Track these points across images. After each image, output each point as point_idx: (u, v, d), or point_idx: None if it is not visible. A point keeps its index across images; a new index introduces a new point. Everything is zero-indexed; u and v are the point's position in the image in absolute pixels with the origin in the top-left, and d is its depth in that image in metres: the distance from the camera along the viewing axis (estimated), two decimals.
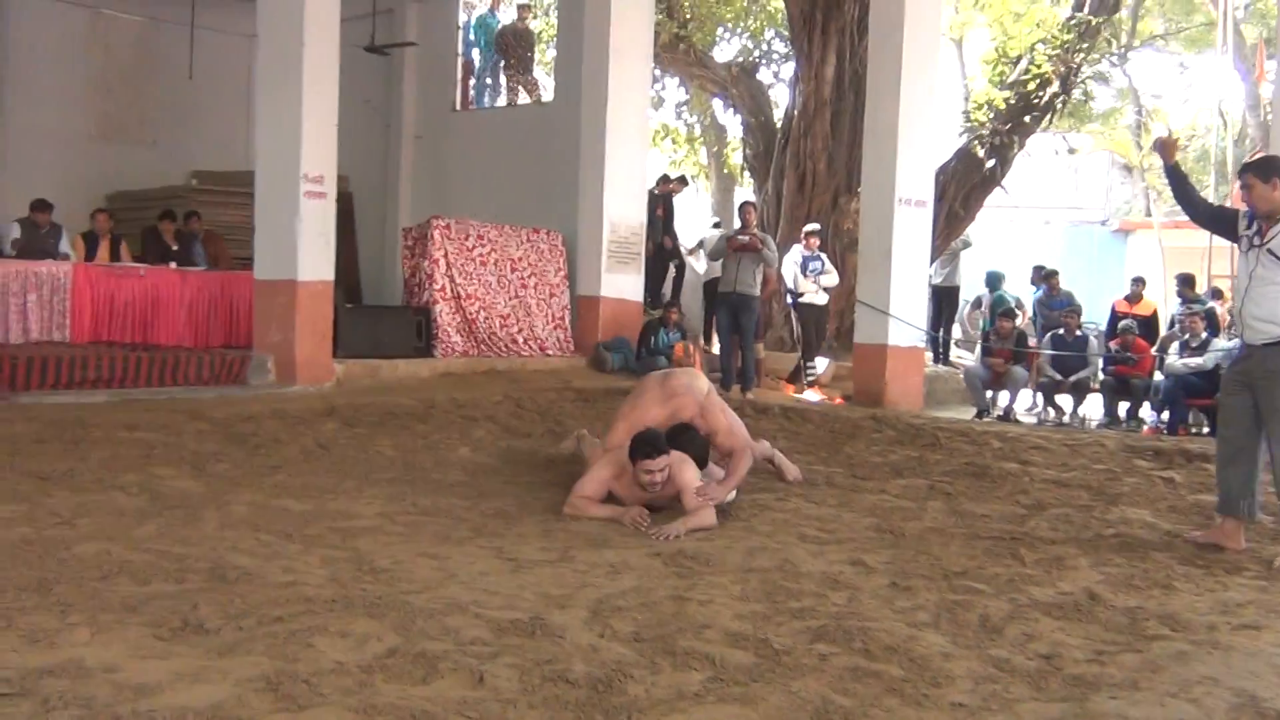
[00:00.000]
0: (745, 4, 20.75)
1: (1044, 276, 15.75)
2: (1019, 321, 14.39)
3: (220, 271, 11.66)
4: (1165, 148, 5.93)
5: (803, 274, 12.90)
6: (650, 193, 14.03)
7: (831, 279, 12.98)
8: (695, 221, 20.09)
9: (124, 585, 4.29)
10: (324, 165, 9.89)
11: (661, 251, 14.68)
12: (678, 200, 15.83)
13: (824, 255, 13.18)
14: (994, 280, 16.36)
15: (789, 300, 13.50)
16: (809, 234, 13.14)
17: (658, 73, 19.33)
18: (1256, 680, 3.59)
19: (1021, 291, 17.58)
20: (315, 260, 9.86)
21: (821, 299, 13.04)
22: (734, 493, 6.34)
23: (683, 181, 16.48)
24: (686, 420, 6.45)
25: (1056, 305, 14.61)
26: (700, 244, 16.12)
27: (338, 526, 5.53)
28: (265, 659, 3.51)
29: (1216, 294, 15.78)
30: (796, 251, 13.12)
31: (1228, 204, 22.33)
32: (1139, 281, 14.97)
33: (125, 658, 3.49)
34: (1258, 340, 5.38)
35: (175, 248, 12.25)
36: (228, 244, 13.05)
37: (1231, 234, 5.67)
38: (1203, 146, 28.92)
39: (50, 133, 13.21)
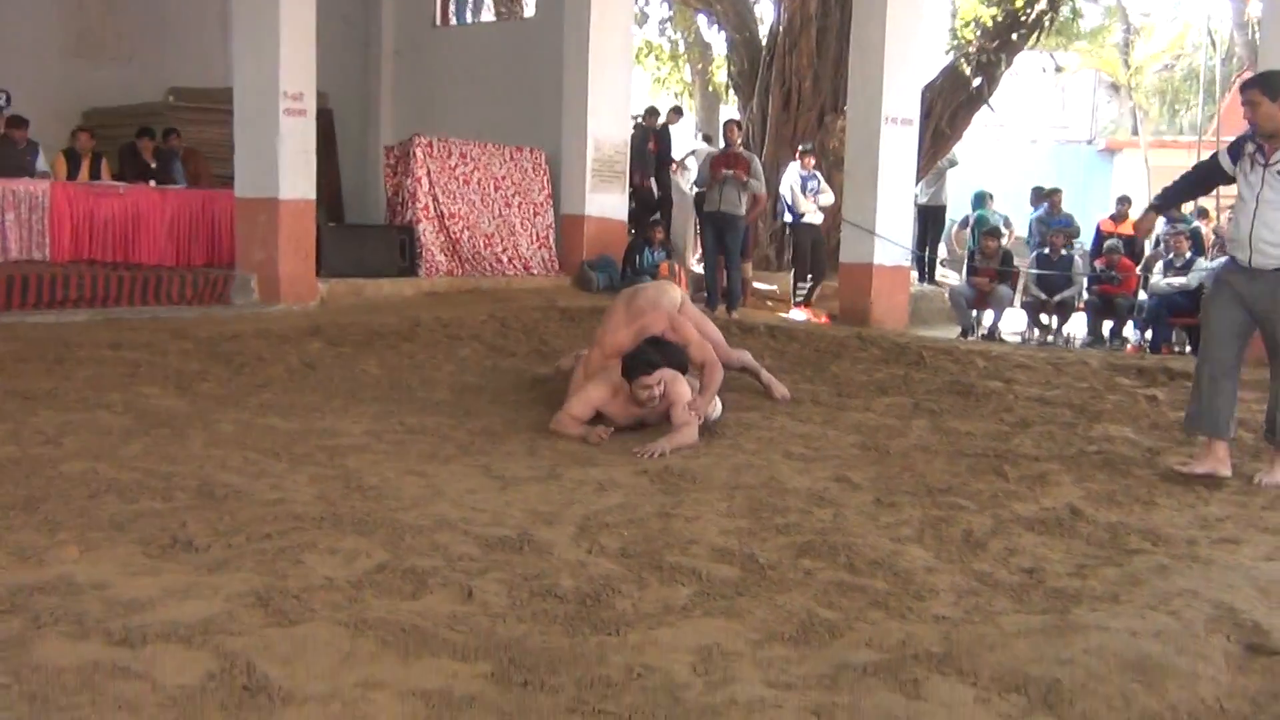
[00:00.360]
0: None
1: (1044, 195, 15.67)
2: (1005, 241, 14.37)
3: (201, 190, 11.53)
4: (1140, 230, 6.16)
5: (803, 194, 12.81)
6: (639, 125, 13.79)
7: (828, 198, 12.88)
8: (680, 139, 19.84)
9: (112, 503, 4.29)
10: (303, 83, 9.75)
11: (643, 194, 14.23)
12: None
13: (819, 174, 13.09)
14: (979, 199, 16.30)
15: (788, 220, 13.40)
16: (804, 153, 13.04)
17: None
18: (1234, 593, 3.64)
19: (1010, 211, 17.52)
20: (297, 178, 9.76)
21: (818, 219, 12.97)
22: (719, 408, 6.36)
23: (677, 113, 16.13)
24: (656, 336, 6.44)
25: (1057, 224, 14.56)
26: (690, 154, 15.85)
27: (325, 445, 5.53)
28: (255, 575, 3.53)
29: (1202, 214, 15.77)
30: (794, 171, 13.02)
31: (1214, 123, 22.25)
32: (1124, 201, 14.95)
33: (115, 574, 3.50)
34: (1269, 265, 5.14)
35: (154, 166, 12.09)
36: (208, 162, 12.88)
37: (1224, 177, 5.48)
38: (1190, 65, 28.74)
39: (23, 49, 12.92)
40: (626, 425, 6.15)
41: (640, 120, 14.11)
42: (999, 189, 17.70)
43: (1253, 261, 5.18)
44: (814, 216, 12.85)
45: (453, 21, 15.44)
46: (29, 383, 6.38)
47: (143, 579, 3.48)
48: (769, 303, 13.55)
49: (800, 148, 13.30)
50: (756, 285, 13.79)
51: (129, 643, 2.98)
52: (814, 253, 13.00)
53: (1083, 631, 3.25)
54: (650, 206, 14.01)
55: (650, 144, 14.05)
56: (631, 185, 13.09)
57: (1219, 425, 5.36)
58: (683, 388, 6.02)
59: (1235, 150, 5.38)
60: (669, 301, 6.78)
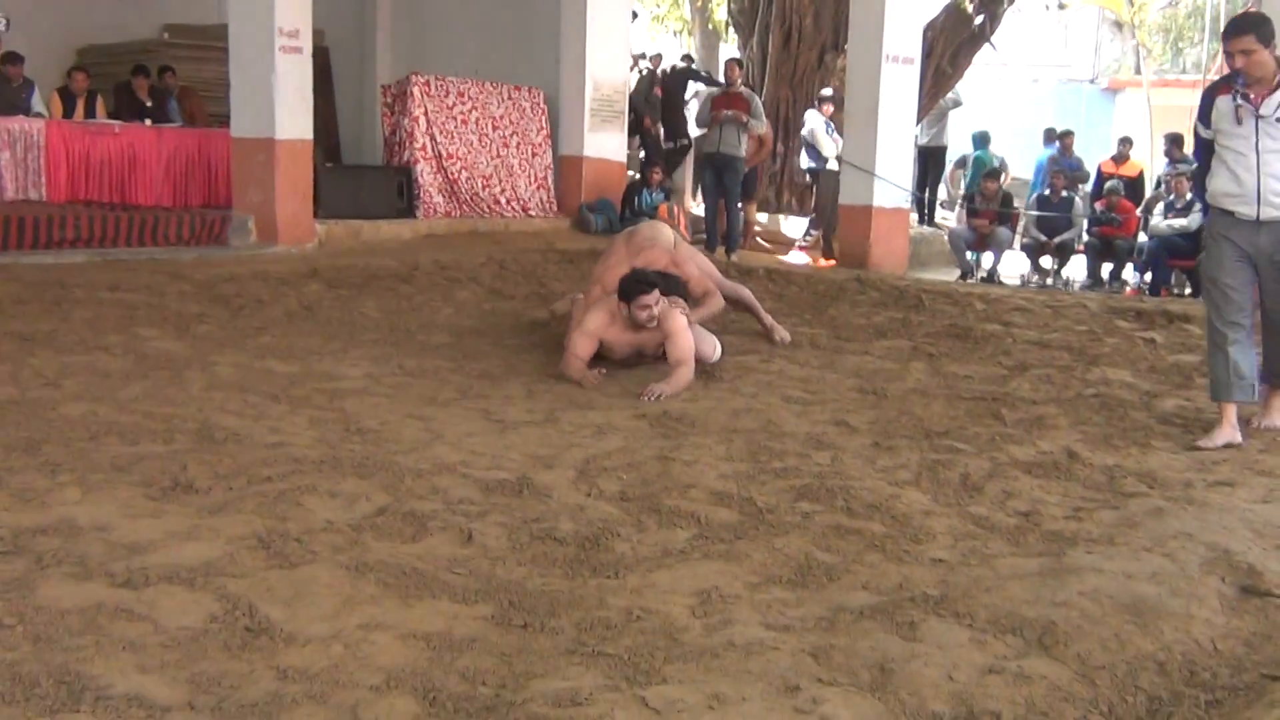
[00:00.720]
0: None
1: (1057, 136, 15.55)
2: (1004, 182, 14.29)
3: (197, 129, 11.43)
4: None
5: (828, 138, 12.75)
6: (646, 69, 13.59)
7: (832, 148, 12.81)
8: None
9: (112, 445, 4.30)
10: (299, 19, 9.62)
11: (648, 140, 14.13)
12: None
13: (833, 123, 12.99)
14: (980, 140, 16.19)
15: (811, 166, 13.31)
16: (824, 99, 12.92)
17: None
18: (1230, 535, 3.67)
19: (1016, 151, 17.40)
20: (293, 118, 9.66)
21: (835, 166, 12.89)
22: (718, 350, 6.37)
23: (688, 60, 15.78)
24: (657, 269, 6.47)
25: (1068, 166, 14.46)
26: (693, 96, 15.70)
27: (324, 388, 5.54)
28: (256, 518, 3.55)
29: None
30: (815, 117, 12.93)
31: (1217, 61, 22.02)
32: (1125, 142, 14.84)
33: (116, 517, 3.51)
34: (1277, 215, 4.90)
35: (149, 104, 11.97)
36: (204, 100, 12.76)
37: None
38: (1194, 2, 28.42)
39: None
40: (626, 358, 6.23)
41: (647, 64, 13.95)
42: (1000, 129, 17.59)
43: (1261, 214, 4.92)
44: (835, 164, 12.77)
45: None
46: (27, 324, 6.37)
47: (144, 521, 3.50)
48: (768, 245, 13.51)
49: (821, 94, 13.19)
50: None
51: (131, 584, 3.00)
52: (835, 201, 12.95)
53: (1078, 574, 3.28)
54: (657, 151, 13.93)
55: (656, 89, 13.92)
56: (639, 130, 12.97)
57: (1248, 389, 5.09)
58: (679, 320, 6.06)
59: (1205, 111, 5.07)
60: (666, 239, 6.84)
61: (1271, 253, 4.99)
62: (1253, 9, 8.74)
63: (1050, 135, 16.09)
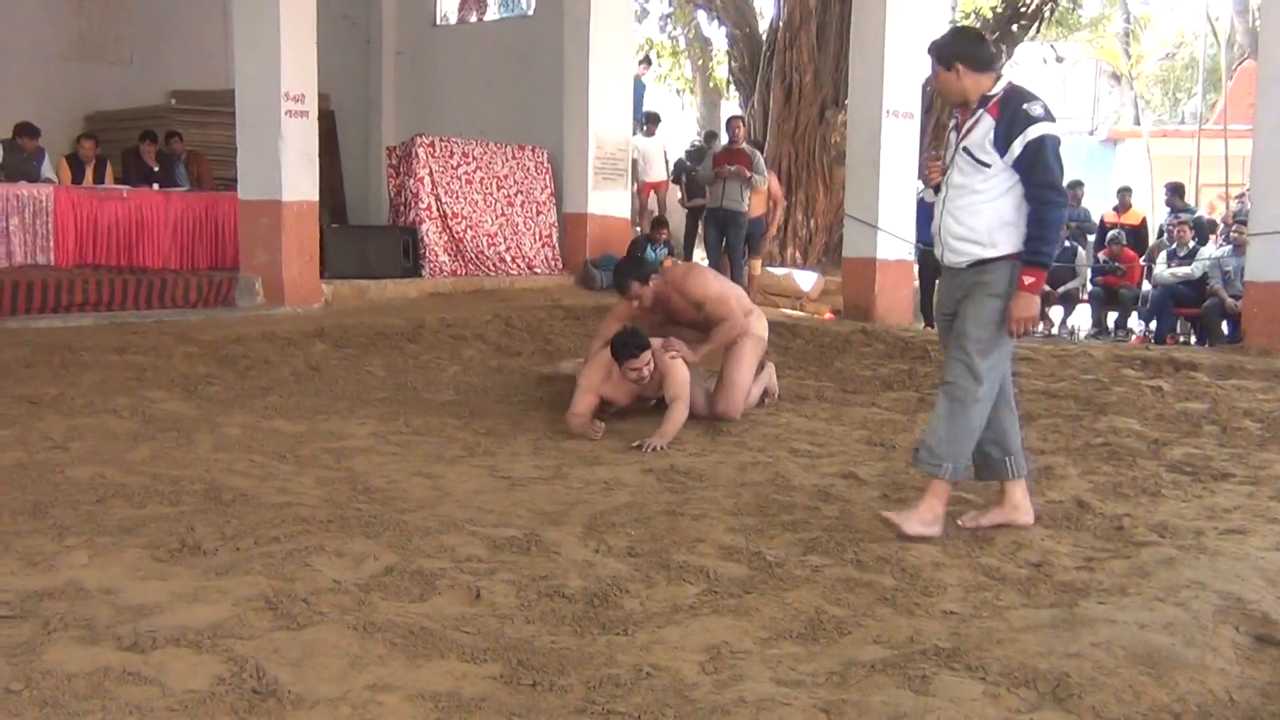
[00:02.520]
0: None
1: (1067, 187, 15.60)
2: None
3: (204, 192, 11.52)
4: None
5: None
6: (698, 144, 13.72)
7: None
8: (682, 134, 19.81)
9: (120, 508, 4.30)
10: (304, 84, 9.73)
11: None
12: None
13: None
14: None
15: None
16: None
17: None
18: (1242, 583, 3.64)
19: None
20: (299, 180, 9.75)
21: None
22: (773, 381, 6.63)
23: (653, 122, 15.70)
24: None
25: (1074, 218, 14.50)
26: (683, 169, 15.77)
27: (331, 447, 5.54)
28: (263, 578, 3.53)
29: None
30: None
31: (1215, 111, 22.14)
32: (1126, 191, 14.91)
33: (124, 579, 3.50)
34: (961, 262, 4.22)
35: (157, 169, 12.08)
36: (210, 164, 12.88)
37: None
38: (1191, 54, 28.69)
39: (23, 52, 12.88)
40: (632, 405, 6.35)
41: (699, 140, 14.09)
42: None
43: (945, 260, 4.33)
44: None
45: (451, 20, 15.42)
46: (35, 388, 6.39)
47: (151, 583, 3.48)
48: (776, 299, 13.52)
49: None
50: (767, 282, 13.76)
51: (139, 647, 2.98)
52: None
53: (1091, 625, 3.25)
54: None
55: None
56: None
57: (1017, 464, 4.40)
58: (677, 369, 6.11)
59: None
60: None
61: (949, 308, 4.34)
62: (1248, 59, 8.72)
63: None
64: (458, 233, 11.61)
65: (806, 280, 13.63)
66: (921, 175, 4.28)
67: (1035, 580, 3.76)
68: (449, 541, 3.99)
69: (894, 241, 11.01)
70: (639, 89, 16.10)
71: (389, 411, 6.48)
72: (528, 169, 12.31)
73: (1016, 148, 4.06)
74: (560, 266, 12.38)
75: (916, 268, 11.87)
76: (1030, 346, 8.96)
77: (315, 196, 9.95)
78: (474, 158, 11.84)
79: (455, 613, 3.35)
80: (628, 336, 6.12)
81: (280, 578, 3.55)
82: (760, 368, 6.76)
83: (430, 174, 11.41)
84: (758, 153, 12.30)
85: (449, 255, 11.55)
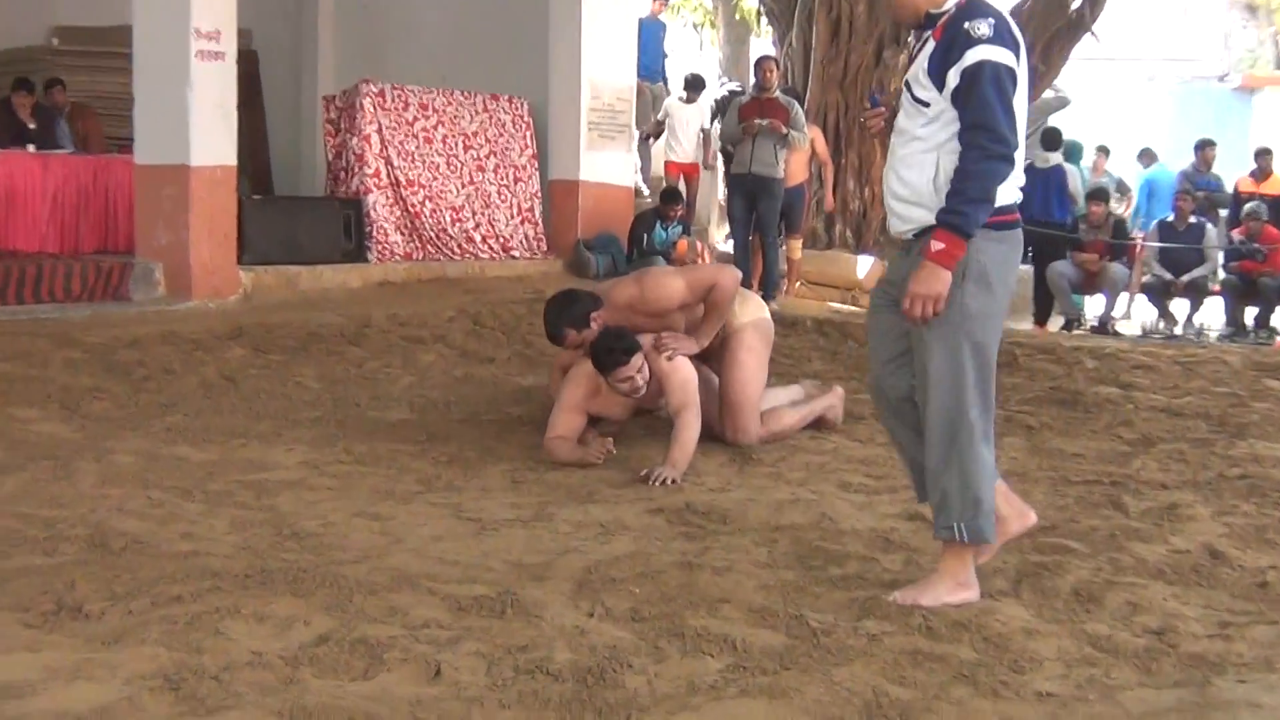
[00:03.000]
0: None
1: (1197, 147, 15.57)
2: (1121, 209, 14.32)
3: (92, 155, 11.54)
4: None
5: None
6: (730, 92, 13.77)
7: None
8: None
9: None
10: (220, 18, 9.76)
11: None
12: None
13: None
14: (1071, 153, 16.26)
15: None
16: None
17: None
18: None
19: (1120, 167, 17.48)
20: (212, 140, 9.77)
21: None
22: (839, 400, 6.69)
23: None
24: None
25: (1203, 185, 14.45)
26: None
27: (250, 480, 5.54)
28: (163, 650, 3.51)
29: None
30: None
31: None
32: (1265, 154, 14.89)
33: None
34: (906, 230, 4.18)
35: (33, 126, 12.10)
36: (100, 120, 12.91)
37: None
38: None
39: None
40: (627, 418, 6.35)
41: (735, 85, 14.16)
42: (1109, 140, 17.68)
43: (890, 226, 4.31)
44: None
45: None
46: None
47: (20, 656, 3.46)
48: (821, 289, 13.53)
49: None
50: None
51: None
52: None
53: (1228, 709, 3.24)
54: None
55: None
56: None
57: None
58: (678, 371, 6.04)
59: None
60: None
61: (896, 293, 4.19)
62: None
63: (1148, 155, 16.08)
64: (414, 205, 11.63)
65: (861, 266, 13.63)
66: (862, 118, 4.05)
67: (1156, 652, 3.74)
68: (401, 602, 3.98)
69: None
70: (657, 30, 16.19)
71: (324, 435, 6.48)
72: (503, 124, 12.33)
73: (952, 78, 3.96)
74: (544, 248, 12.41)
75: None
76: (1147, 350, 8.95)
77: (233, 160, 9.97)
78: (435, 110, 11.87)
79: (408, 694, 3.33)
80: (611, 339, 6.02)
81: (184, 649, 3.53)
82: (803, 392, 6.74)
83: (379, 131, 11.43)
84: (796, 103, 12.28)
85: (402, 234, 11.57)
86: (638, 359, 5.93)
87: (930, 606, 4.02)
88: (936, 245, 3.93)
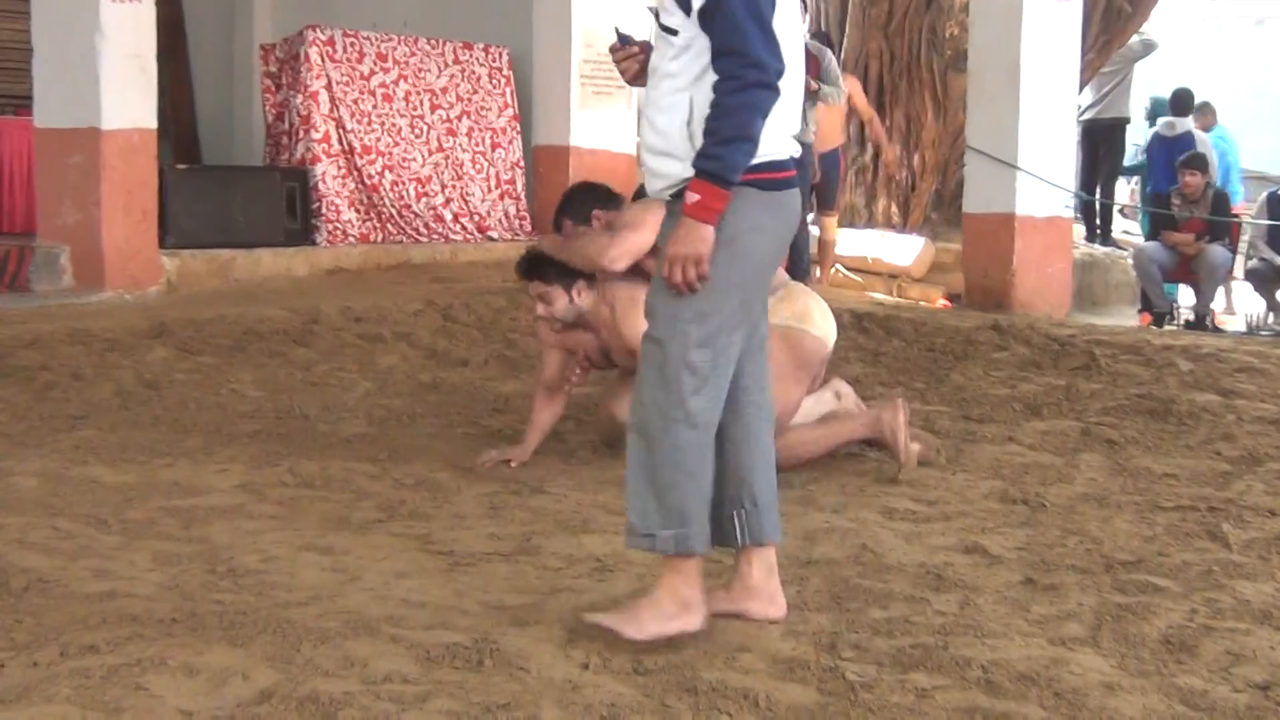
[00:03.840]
0: None
1: None
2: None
3: None
4: None
5: None
6: None
7: None
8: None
9: None
10: None
11: None
12: None
13: None
14: (1154, 108, 16.24)
15: None
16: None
17: None
18: None
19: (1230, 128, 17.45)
20: (127, 98, 9.76)
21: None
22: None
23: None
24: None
25: None
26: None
27: (176, 506, 5.54)
28: (74, 709, 3.53)
29: None
30: None
31: None
32: None
33: None
34: (662, 190, 4.22)
35: None
36: None
37: None
38: None
39: None
40: (604, 363, 6.52)
41: None
42: (1207, 95, 17.63)
43: (648, 185, 4.38)
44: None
45: None
46: None
47: None
48: (861, 276, 13.53)
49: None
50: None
51: None
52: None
53: None
54: None
55: None
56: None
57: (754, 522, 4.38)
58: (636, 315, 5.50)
59: None
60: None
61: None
62: None
63: (1206, 112, 16.00)
64: (371, 177, 11.63)
65: (908, 249, 13.63)
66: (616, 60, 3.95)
67: (1261, 711, 3.75)
68: (358, 651, 3.99)
69: (1042, 190, 10.99)
70: None
71: (265, 452, 6.48)
72: (478, 80, 12.33)
73: None
74: (527, 228, 12.40)
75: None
76: (1252, 350, 8.95)
77: (153, 123, 9.96)
78: (396, 62, 11.87)
79: None
80: (526, 253, 6.38)
81: (100, 708, 3.54)
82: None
83: (328, 87, 11.42)
84: (828, 51, 12.26)
85: (358, 211, 11.57)
86: (538, 285, 6.16)
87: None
88: (692, 197, 3.93)
